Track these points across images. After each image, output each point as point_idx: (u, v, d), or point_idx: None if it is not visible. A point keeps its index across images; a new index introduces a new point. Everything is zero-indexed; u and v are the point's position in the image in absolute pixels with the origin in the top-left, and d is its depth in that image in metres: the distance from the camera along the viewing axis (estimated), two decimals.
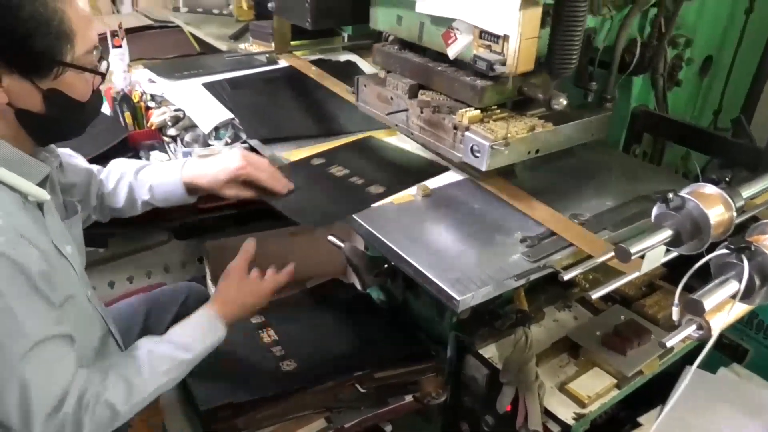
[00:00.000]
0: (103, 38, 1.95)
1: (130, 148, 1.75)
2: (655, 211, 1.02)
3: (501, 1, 1.18)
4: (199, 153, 1.67)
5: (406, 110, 1.44)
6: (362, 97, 1.59)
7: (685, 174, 1.84)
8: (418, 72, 1.43)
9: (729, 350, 1.72)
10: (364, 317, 1.74)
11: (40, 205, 1.07)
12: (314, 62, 2.06)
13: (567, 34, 1.21)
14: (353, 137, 1.64)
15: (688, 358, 1.51)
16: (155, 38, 2.67)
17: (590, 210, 1.33)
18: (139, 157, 1.75)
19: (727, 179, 1.04)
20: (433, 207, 1.34)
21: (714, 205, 0.98)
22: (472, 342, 1.48)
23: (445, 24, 1.32)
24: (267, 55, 2.09)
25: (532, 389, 1.33)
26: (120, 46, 1.94)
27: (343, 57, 2.16)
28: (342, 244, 1.64)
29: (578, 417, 1.34)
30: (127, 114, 1.83)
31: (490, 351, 1.47)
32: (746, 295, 0.92)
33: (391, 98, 1.48)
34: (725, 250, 0.94)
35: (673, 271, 1.56)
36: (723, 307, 0.92)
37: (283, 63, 2.07)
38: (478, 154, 1.26)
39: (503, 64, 1.23)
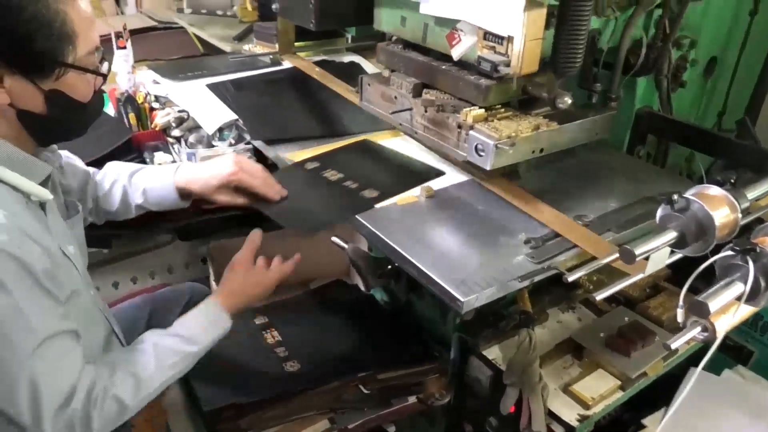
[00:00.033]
0: (107, 39, 1.95)
1: (134, 149, 1.76)
2: (659, 212, 1.02)
3: (505, 2, 1.18)
4: (203, 154, 1.68)
5: (410, 109, 1.44)
6: (366, 97, 1.59)
7: (689, 175, 1.84)
8: (422, 71, 1.43)
9: (733, 352, 1.72)
10: (367, 318, 1.74)
11: (42, 205, 1.08)
12: (318, 63, 2.06)
13: (572, 35, 1.21)
14: (353, 139, 1.64)
15: (693, 359, 1.51)
16: (159, 39, 2.68)
17: (594, 211, 1.33)
18: (143, 158, 1.75)
19: (732, 181, 1.04)
20: (436, 208, 1.34)
21: (719, 206, 0.98)
22: (475, 343, 1.48)
23: (450, 25, 1.32)
24: (271, 57, 2.10)
25: (535, 391, 1.32)
26: (124, 48, 1.95)
27: (347, 58, 2.16)
28: (345, 245, 1.64)
29: (582, 419, 1.33)
30: (132, 115, 1.84)
31: (493, 352, 1.47)
32: (751, 297, 0.92)
33: (395, 97, 1.48)
34: (730, 252, 0.94)
35: (677, 272, 1.56)
36: (728, 309, 0.92)
37: (286, 64, 2.07)
38: (482, 153, 1.26)
39: (507, 65, 1.23)
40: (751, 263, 0.91)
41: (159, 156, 1.75)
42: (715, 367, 1.60)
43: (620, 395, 1.39)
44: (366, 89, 1.58)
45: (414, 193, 1.38)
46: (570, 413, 1.34)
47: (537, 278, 1.14)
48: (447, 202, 1.36)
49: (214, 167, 1.38)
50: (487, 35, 1.25)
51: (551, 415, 1.34)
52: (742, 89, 1.81)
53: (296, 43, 2.15)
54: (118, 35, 1.97)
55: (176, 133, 1.77)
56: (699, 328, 0.91)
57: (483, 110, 1.30)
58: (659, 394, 1.47)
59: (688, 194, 0.99)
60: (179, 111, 1.80)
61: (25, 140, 1.07)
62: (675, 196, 0.99)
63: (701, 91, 1.80)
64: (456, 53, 1.32)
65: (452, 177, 1.45)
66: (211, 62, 2.18)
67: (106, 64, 1.11)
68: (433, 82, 1.42)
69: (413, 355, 1.58)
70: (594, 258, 1.14)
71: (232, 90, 1.84)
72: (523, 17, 1.17)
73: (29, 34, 0.96)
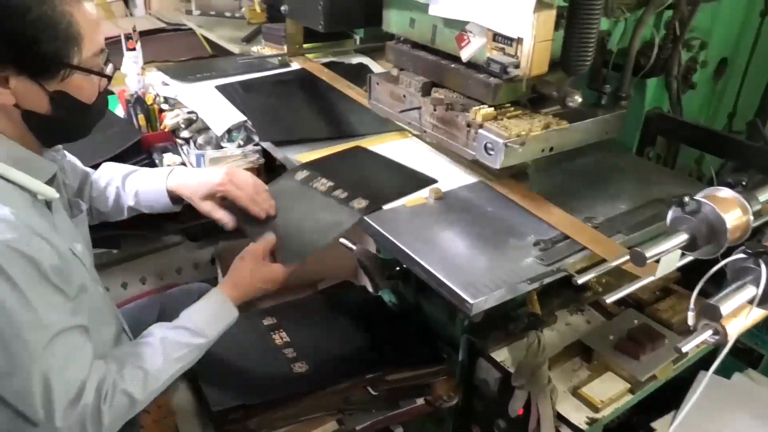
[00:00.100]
0: (116, 41, 1.96)
1: (143, 150, 1.76)
2: (670, 214, 1.02)
3: (515, 3, 1.17)
4: (212, 155, 1.68)
5: (419, 108, 1.44)
6: (375, 96, 1.59)
7: (699, 177, 1.83)
8: (431, 70, 1.43)
9: (744, 355, 1.71)
10: (375, 319, 1.74)
11: (48, 204, 1.09)
12: (326, 65, 2.06)
13: (582, 34, 1.20)
14: (355, 142, 1.64)
15: (703, 363, 1.50)
16: (168, 41, 2.70)
17: (604, 213, 1.32)
18: (153, 160, 1.76)
19: (743, 183, 1.03)
20: (445, 210, 1.34)
21: (730, 208, 0.97)
22: (484, 345, 1.47)
23: (459, 27, 1.32)
24: (279, 58, 2.10)
25: (544, 393, 1.32)
26: (134, 49, 1.95)
27: (355, 59, 2.16)
28: (354, 247, 1.64)
29: (591, 421, 1.33)
30: (141, 116, 1.85)
31: (502, 354, 1.46)
32: (764, 300, 0.91)
33: (404, 96, 1.48)
34: (742, 255, 0.93)
35: (687, 275, 1.55)
36: (740, 312, 0.91)
37: (295, 66, 2.07)
38: (491, 152, 1.26)
39: (517, 66, 1.23)
40: (763, 266, 0.90)
41: (168, 157, 1.76)
42: (725, 371, 1.59)
43: (629, 398, 1.39)
44: (375, 88, 1.58)
45: (422, 195, 1.38)
46: (579, 416, 1.34)
47: (546, 281, 1.14)
48: (455, 203, 1.36)
49: (205, 175, 1.40)
50: (496, 37, 1.25)
51: (560, 418, 1.34)
52: (752, 91, 1.80)
53: (304, 45, 2.16)
54: (128, 37, 1.97)
55: (185, 134, 1.78)
56: (710, 332, 0.91)
57: (492, 109, 1.30)
58: (669, 397, 1.46)
59: (699, 196, 0.99)
60: (188, 112, 1.81)
61: (30, 140, 1.07)
62: (686, 199, 0.98)
63: (711, 92, 1.79)
64: (465, 55, 1.32)
65: (461, 178, 1.45)
66: (219, 64, 2.19)
67: (111, 66, 1.12)
68: (442, 80, 1.42)
69: (421, 356, 1.58)
70: (603, 260, 1.14)
71: (240, 91, 1.84)
72: (533, 18, 1.17)
73: (35, 35, 0.97)
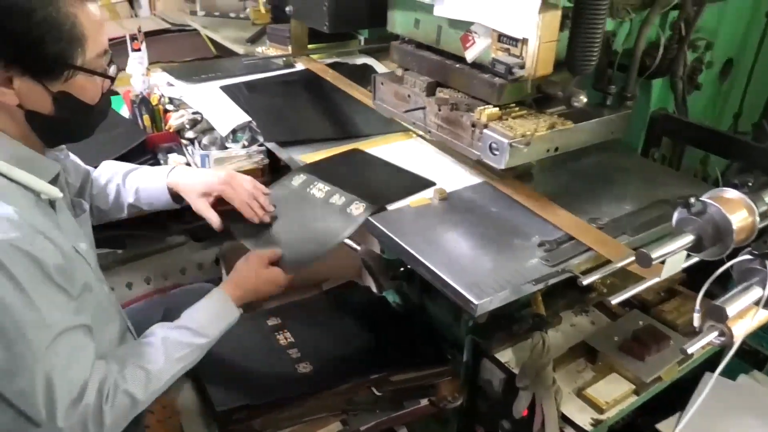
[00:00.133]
0: (122, 42, 1.97)
1: (148, 150, 1.77)
2: (676, 215, 1.01)
3: (520, 4, 1.17)
4: (217, 156, 1.68)
5: (424, 108, 1.44)
6: (379, 96, 1.59)
7: (704, 178, 1.82)
8: (436, 70, 1.43)
9: (750, 357, 1.70)
10: (379, 320, 1.74)
11: (52, 203, 1.09)
12: (331, 65, 2.07)
13: (588, 34, 1.20)
14: (361, 142, 1.63)
15: (708, 364, 1.49)
16: (173, 42, 2.70)
17: (609, 214, 1.32)
18: (158, 160, 1.76)
19: (750, 184, 1.03)
20: (449, 210, 1.34)
21: (737, 209, 0.97)
22: (488, 346, 1.47)
23: (463, 27, 1.32)
24: (284, 59, 2.10)
25: (549, 394, 1.32)
26: (139, 50, 1.96)
27: (360, 60, 2.16)
28: (358, 247, 1.64)
29: (596, 423, 1.32)
30: (146, 117, 1.85)
31: (506, 355, 1.46)
32: None
33: (409, 96, 1.48)
34: (748, 256, 0.93)
35: (692, 276, 1.55)
36: (746, 313, 0.91)
37: (299, 66, 2.08)
38: (496, 152, 1.26)
39: (522, 67, 1.22)
40: None
41: (173, 158, 1.76)
42: (730, 372, 1.59)
43: (634, 399, 1.38)
44: (379, 88, 1.58)
45: (427, 195, 1.38)
46: (583, 417, 1.34)
47: (551, 282, 1.14)
48: (460, 204, 1.36)
49: (205, 175, 1.42)
50: (501, 37, 1.25)
51: (564, 419, 1.34)
52: (758, 91, 1.79)
53: (309, 46, 2.16)
54: (133, 37, 1.98)
55: (190, 134, 1.78)
56: (716, 333, 0.90)
57: (497, 109, 1.30)
58: (674, 398, 1.46)
59: (705, 197, 0.98)
60: (193, 113, 1.81)
61: (34, 140, 1.08)
62: (692, 200, 0.98)
63: (717, 93, 1.79)
64: (470, 55, 1.31)
65: (465, 179, 1.45)
66: (224, 64, 2.19)
67: (114, 67, 1.12)
68: (447, 80, 1.42)
69: (425, 357, 1.58)
70: (608, 261, 1.13)
71: (245, 92, 1.84)
72: (538, 19, 1.17)
73: (39, 36, 0.97)
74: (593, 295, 1.66)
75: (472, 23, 1.29)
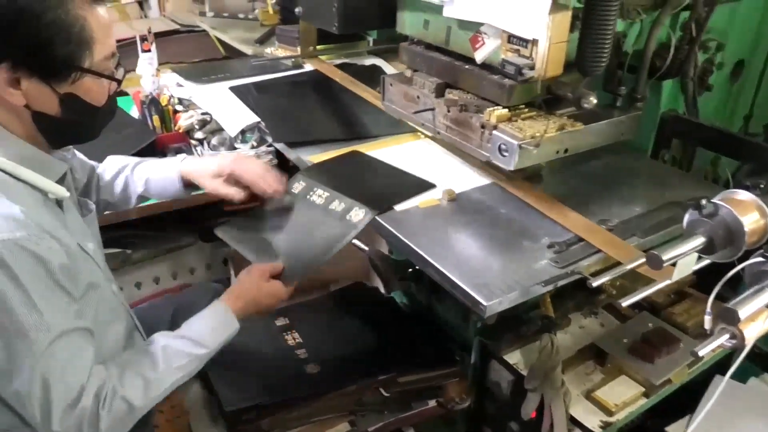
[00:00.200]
0: (131, 43, 1.98)
1: (158, 151, 1.78)
2: (687, 217, 1.01)
3: (530, 5, 1.17)
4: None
5: (433, 109, 1.43)
6: (388, 97, 1.59)
7: (715, 180, 1.81)
8: (445, 71, 1.43)
9: (761, 360, 1.69)
10: (387, 321, 1.74)
11: (59, 203, 1.10)
12: (339, 66, 2.07)
13: (598, 35, 1.20)
14: (369, 143, 1.63)
15: (717, 367, 1.48)
16: (182, 42, 2.72)
17: (618, 216, 1.31)
18: None
19: (761, 185, 1.02)
20: (458, 211, 1.34)
21: (748, 211, 0.96)
22: (496, 347, 1.47)
23: (473, 28, 1.32)
24: (292, 60, 2.10)
25: (557, 396, 1.31)
26: (149, 51, 1.97)
27: (368, 61, 2.16)
28: (366, 248, 1.64)
29: (605, 425, 1.32)
30: (156, 117, 1.86)
31: (515, 357, 1.46)
32: None
33: (418, 97, 1.48)
34: (760, 258, 0.93)
35: (702, 278, 1.54)
36: (757, 316, 0.90)
37: (308, 67, 2.08)
38: (505, 154, 1.25)
39: (532, 68, 1.22)
40: None
41: None
42: (740, 375, 1.58)
43: (644, 402, 1.38)
44: (388, 89, 1.58)
45: (435, 196, 1.37)
46: (593, 420, 1.33)
47: (560, 283, 1.13)
48: (469, 205, 1.35)
49: (215, 158, 1.44)
50: (511, 38, 1.24)
51: (573, 421, 1.33)
52: None
53: (318, 47, 2.16)
54: (143, 38, 1.99)
55: (199, 135, 1.79)
56: (727, 336, 0.90)
57: (507, 110, 1.29)
58: (683, 401, 1.45)
59: (716, 199, 0.98)
60: (202, 113, 1.82)
61: (40, 141, 1.08)
62: (703, 201, 0.97)
63: (728, 94, 1.77)
64: (480, 56, 1.31)
65: (474, 180, 1.45)
66: (233, 65, 2.20)
67: (122, 70, 1.12)
68: (456, 81, 1.41)
69: (433, 358, 1.58)
70: (618, 263, 1.13)
71: (254, 93, 1.85)
72: (548, 20, 1.16)
73: (48, 38, 0.98)
74: (602, 297, 1.65)
75: (481, 24, 1.29)
